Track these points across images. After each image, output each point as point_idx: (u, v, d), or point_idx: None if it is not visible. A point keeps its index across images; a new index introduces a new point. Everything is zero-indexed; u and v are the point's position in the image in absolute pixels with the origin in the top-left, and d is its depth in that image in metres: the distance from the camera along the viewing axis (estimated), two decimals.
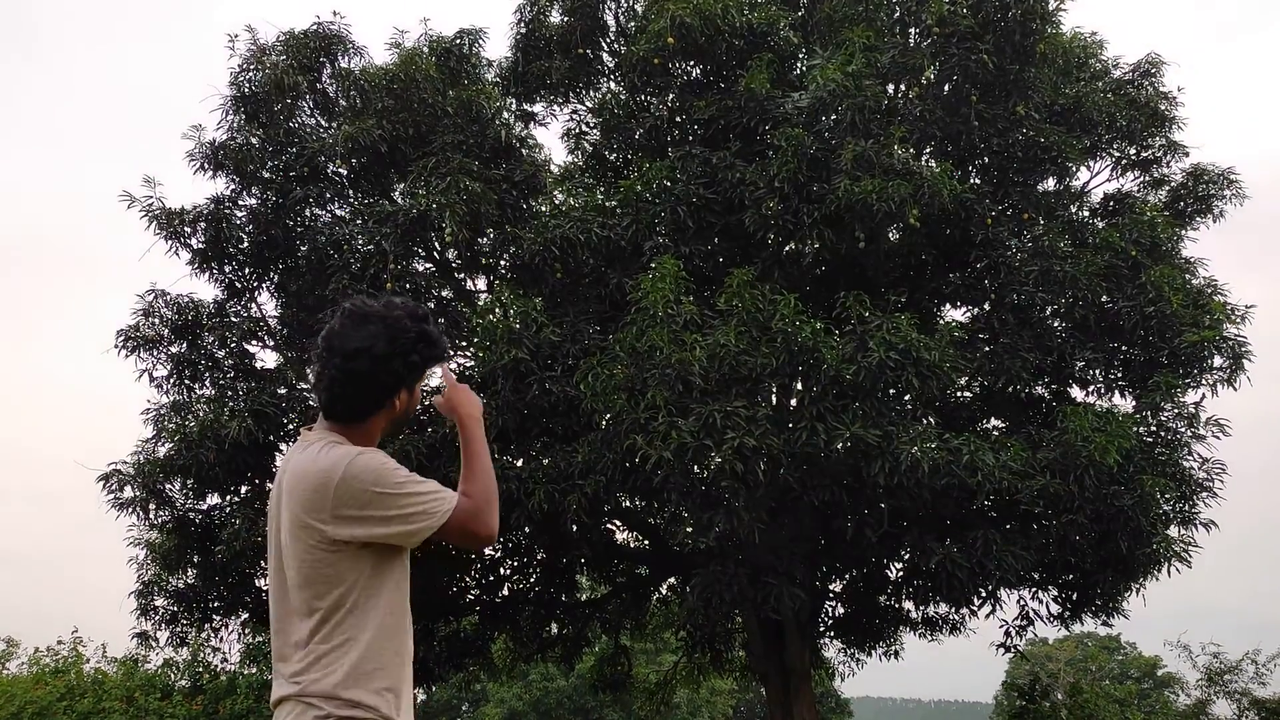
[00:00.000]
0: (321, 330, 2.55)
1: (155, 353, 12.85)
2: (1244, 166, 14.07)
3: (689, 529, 10.93)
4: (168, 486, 12.45)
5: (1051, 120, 12.38)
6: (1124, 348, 12.16)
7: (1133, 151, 13.61)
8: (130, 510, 12.43)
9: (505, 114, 13.52)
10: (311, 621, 2.37)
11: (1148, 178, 13.78)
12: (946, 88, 11.86)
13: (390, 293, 11.79)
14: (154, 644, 14.06)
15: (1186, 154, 13.58)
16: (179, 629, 13.75)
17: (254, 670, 17.59)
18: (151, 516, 12.63)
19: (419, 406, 2.71)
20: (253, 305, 13.53)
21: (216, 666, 17.19)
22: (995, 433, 12.05)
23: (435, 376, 2.77)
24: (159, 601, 13.58)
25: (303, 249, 12.74)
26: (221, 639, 14.59)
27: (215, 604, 13.42)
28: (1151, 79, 13.41)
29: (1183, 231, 13.16)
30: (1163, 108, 13.34)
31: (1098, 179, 13.80)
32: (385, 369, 2.45)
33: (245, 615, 13.69)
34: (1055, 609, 12.92)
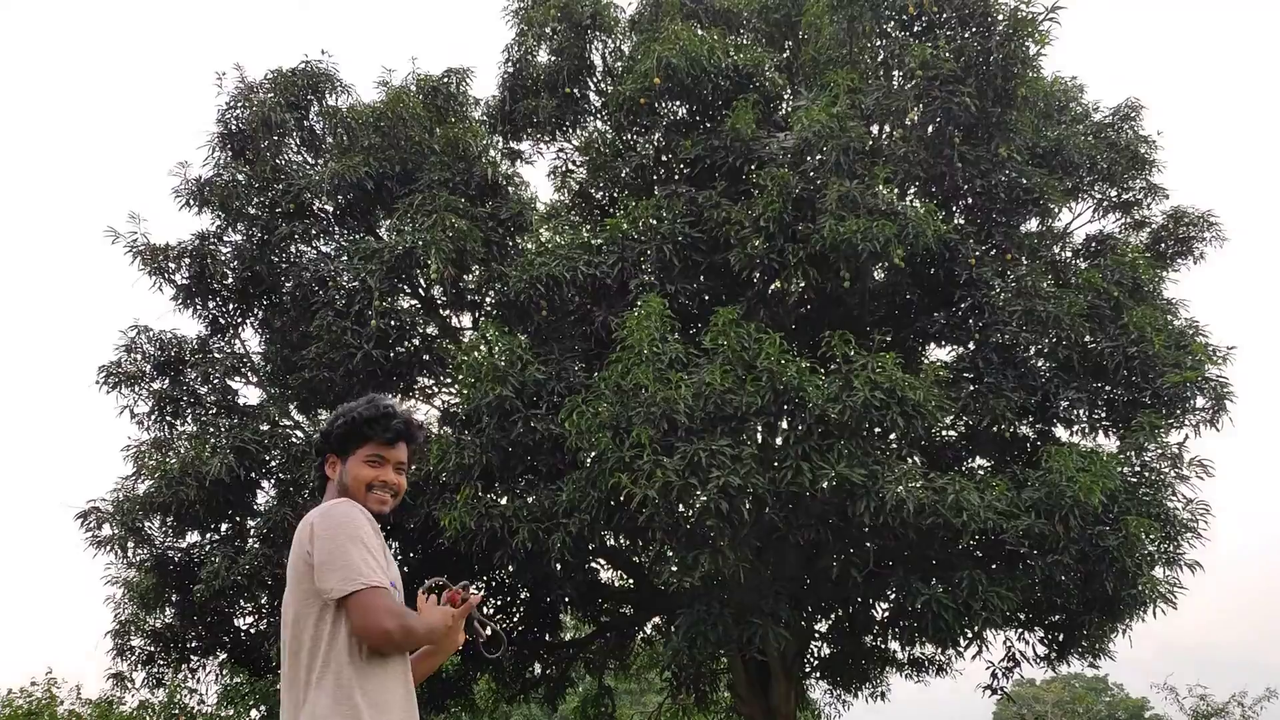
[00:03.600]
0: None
1: (137, 389, 12.77)
2: (1224, 208, 14.26)
3: (674, 568, 10.85)
4: (147, 524, 12.33)
5: (1033, 162, 12.51)
6: (1107, 388, 12.20)
7: (1114, 193, 13.74)
8: (108, 548, 12.29)
9: (492, 152, 13.60)
10: (299, 673, 2.64)
11: (1129, 219, 13.90)
12: (930, 129, 11.97)
13: (375, 330, 11.75)
14: (129, 685, 13.84)
15: (1166, 196, 13.72)
16: (155, 670, 13.55)
17: (231, 712, 17.32)
18: (130, 555, 12.49)
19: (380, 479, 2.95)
20: (236, 341, 13.50)
21: (193, 708, 16.91)
22: (980, 472, 12.04)
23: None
24: (136, 641, 13.38)
25: (287, 285, 12.72)
26: (199, 680, 14.38)
27: (193, 644, 13.24)
28: (1131, 122, 13.57)
29: (1164, 272, 13.27)
30: (1142, 150, 13.49)
31: (1079, 220, 13.93)
32: (313, 443, 3.20)
33: (223, 656, 13.49)
34: (1041, 650, 12.85)
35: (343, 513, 2.69)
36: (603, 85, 13.77)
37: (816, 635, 13.97)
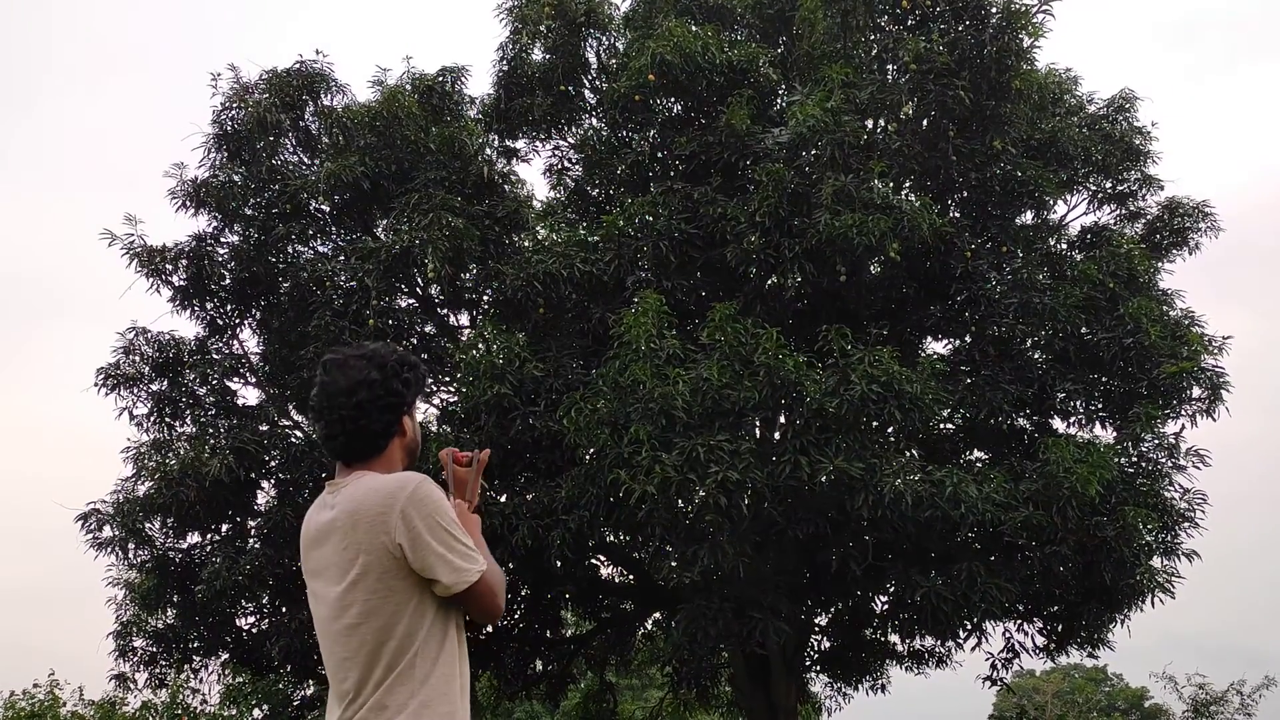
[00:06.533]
0: (312, 392, 2.64)
1: (136, 390, 12.77)
2: (1219, 199, 14.28)
3: (673, 563, 10.89)
4: (147, 525, 12.34)
5: (1028, 155, 12.53)
6: (1104, 379, 12.24)
7: (1109, 185, 13.77)
8: (109, 550, 12.31)
9: (488, 150, 13.60)
10: (378, 671, 2.40)
11: (1124, 211, 13.94)
12: (925, 123, 11.99)
13: (373, 329, 11.78)
14: (132, 686, 13.87)
15: (1161, 187, 13.75)
16: (158, 670, 13.57)
17: (233, 712, 17.36)
18: (130, 556, 12.50)
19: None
20: (234, 342, 13.49)
21: (195, 708, 16.96)
22: (978, 465, 12.08)
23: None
24: (138, 642, 13.41)
25: (285, 286, 12.72)
26: (201, 680, 14.42)
27: (195, 644, 13.25)
28: (1125, 114, 13.60)
29: (1159, 264, 13.31)
30: (1137, 142, 13.52)
31: (1075, 212, 13.96)
32: (386, 390, 2.59)
33: (225, 656, 13.51)
34: (1040, 641, 12.91)
35: (433, 493, 2.45)
36: (598, 82, 13.78)
37: (816, 629, 14.02)
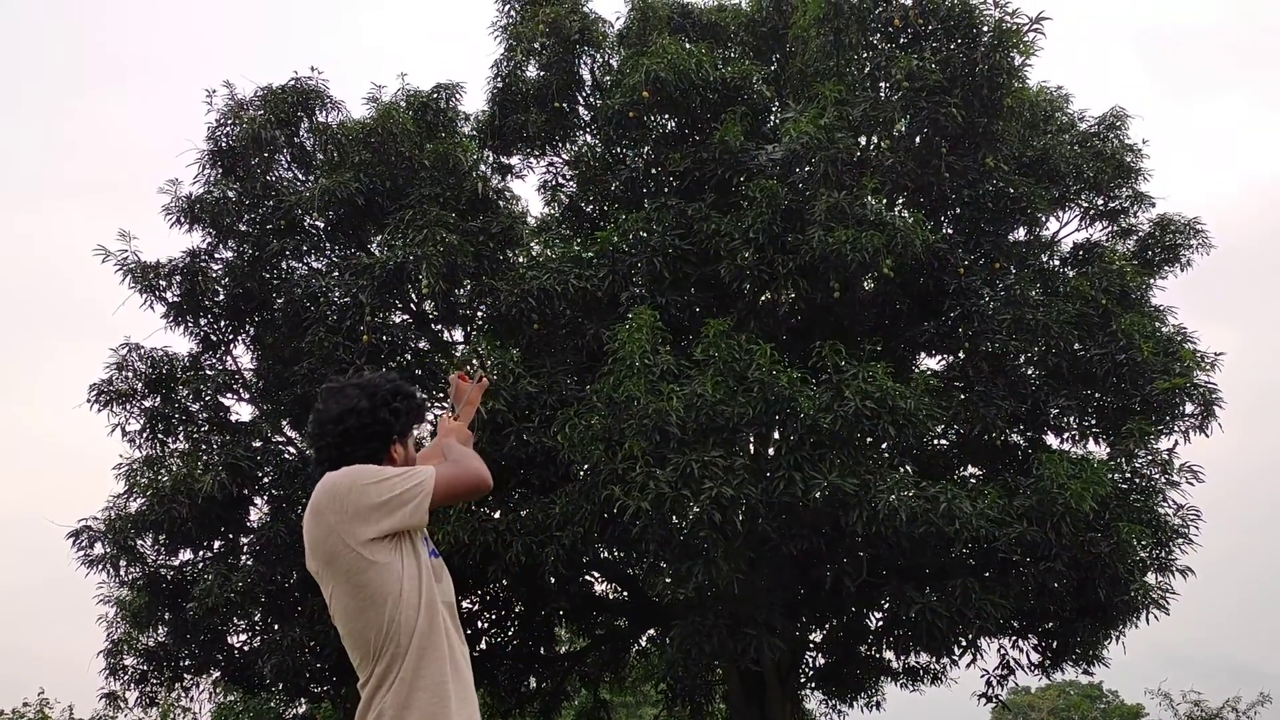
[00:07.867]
0: (313, 409, 2.76)
1: (128, 407, 12.73)
2: (1211, 212, 14.35)
3: (668, 580, 10.86)
4: (139, 542, 12.30)
5: (1020, 171, 12.59)
6: (1097, 395, 12.26)
7: (1100, 202, 13.82)
8: (100, 567, 12.26)
9: (482, 167, 13.62)
10: (371, 669, 2.51)
11: (1115, 227, 13.99)
12: (917, 140, 12.05)
13: (367, 345, 11.78)
14: (122, 704, 13.79)
15: (1153, 204, 13.80)
16: (148, 689, 13.49)
17: None
18: (122, 573, 12.45)
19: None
20: (228, 358, 13.46)
21: None
22: (972, 481, 12.09)
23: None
24: (128, 660, 13.33)
25: (279, 302, 12.71)
26: (192, 699, 14.32)
27: (186, 662, 13.18)
28: (1116, 132, 13.67)
29: (1151, 280, 13.36)
30: (1128, 159, 13.58)
31: (1067, 229, 14.01)
32: (374, 419, 2.68)
33: (216, 674, 13.44)
34: (1036, 657, 12.87)
35: (340, 479, 2.52)
36: (592, 99, 13.83)
37: (811, 645, 13.98)
